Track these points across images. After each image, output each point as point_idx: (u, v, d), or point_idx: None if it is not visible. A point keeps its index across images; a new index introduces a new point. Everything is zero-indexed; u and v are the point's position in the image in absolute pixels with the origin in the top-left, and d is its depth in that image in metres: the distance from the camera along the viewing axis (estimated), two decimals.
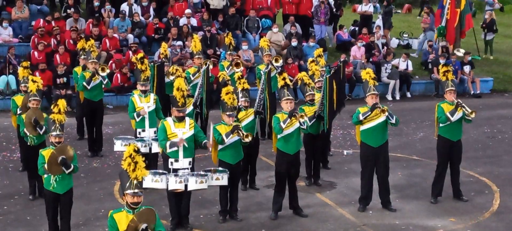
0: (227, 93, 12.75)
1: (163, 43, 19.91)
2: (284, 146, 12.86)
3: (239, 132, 12.35)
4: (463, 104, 13.39)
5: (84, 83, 16.35)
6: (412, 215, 13.13)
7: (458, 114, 13.24)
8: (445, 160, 13.83)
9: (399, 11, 40.62)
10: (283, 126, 12.59)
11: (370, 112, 12.89)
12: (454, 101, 13.40)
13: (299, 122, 12.79)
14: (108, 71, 17.62)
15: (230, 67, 18.09)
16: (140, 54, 17.30)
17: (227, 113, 12.45)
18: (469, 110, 13.26)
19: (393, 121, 13.03)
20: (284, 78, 13.30)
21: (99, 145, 17.20)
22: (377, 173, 13.19)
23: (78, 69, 17.48)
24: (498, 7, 33.03)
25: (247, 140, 12.38)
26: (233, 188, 12.96)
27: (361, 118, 12.96)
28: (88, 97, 16.95)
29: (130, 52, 23.07)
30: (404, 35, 30.78)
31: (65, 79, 21.80)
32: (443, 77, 14.29)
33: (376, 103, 12.95)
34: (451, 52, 26.54)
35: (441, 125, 13.50)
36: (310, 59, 17.03)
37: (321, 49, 18.42)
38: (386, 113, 12.85)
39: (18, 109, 14.47)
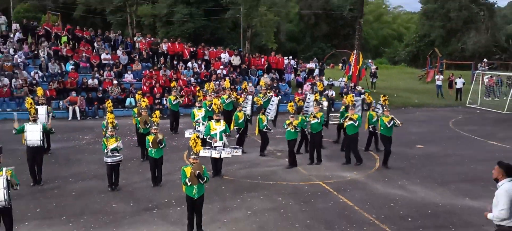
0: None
1: (211, 84, 20.55)
2: None
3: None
4: (394, 118, 13.40)
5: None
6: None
7: (392, 123, 13.21)
8: None
9: (328, 67, 41.45)
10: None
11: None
12: (389, 116, 13.37)
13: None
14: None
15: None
16: (198, 88, 19.40)
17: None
18: (399, 122, 13.48)
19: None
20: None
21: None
22: None
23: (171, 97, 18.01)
24: (374, 67, 34.22)
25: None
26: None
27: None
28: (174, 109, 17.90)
29: (192, 87, 24.04)
30: (330, 79, 31.05)
31: (160, 100, 22.84)
32: (383, 103, 14.42)
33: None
34: (354, 88, 27.31)
35: (381, 128, 13.39)
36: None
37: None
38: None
39: (136, 115, 15.12)
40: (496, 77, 31.71)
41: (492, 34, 51.31)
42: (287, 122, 13.29)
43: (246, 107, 16.21)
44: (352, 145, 13.73)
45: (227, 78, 22.86)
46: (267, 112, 16.20)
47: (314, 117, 13.60)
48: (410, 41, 58.24)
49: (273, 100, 16.85)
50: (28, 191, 11.08)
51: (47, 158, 13.65)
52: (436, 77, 32.45)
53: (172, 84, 19.24)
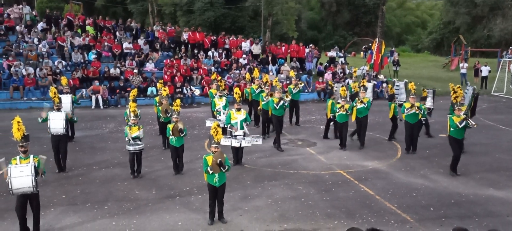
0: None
1: (247, 74, 20.37)
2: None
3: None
4: (468, 118, 11.49)
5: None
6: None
7: (464, 123, 11.25)
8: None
9: (349, 55, 40.68)
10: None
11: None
12: (460, 115, 11.47)
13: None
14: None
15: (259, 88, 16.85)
16: (219, 77, 19.09)
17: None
18: (473, 123, 11.48)
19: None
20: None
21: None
22: None
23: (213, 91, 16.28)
24: (396, 55, 34.35)
25: None
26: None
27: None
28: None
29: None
30: (352, 67, 31.15)
31: (180, 89, 22.97)
32: (454, 100, 12.56)
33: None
34: (377, 76, 27.27)
35: (451, 129, 11.43)
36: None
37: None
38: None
39: (157, 104, 15.10)
40: None
41: None
42: (338, 105, 13.96)
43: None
44: (415, 132, 13.86)
45: (256, 68, 22.72)
46: (396, 96, 16.30)
47: (361, 102, 14.15)
48: (434, 29, 57.12)
49: (398, 85, 17.47)
50: (54, 178, 11.37)
51: (72, 146, 13.96)
52: (461, 65, 31.87)
53: (212, 77, 18.90)
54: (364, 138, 14.45)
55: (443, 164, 12.82)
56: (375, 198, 10.22)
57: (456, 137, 11.57)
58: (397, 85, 17.16)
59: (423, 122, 14.86)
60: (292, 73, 19.79)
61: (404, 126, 13.89)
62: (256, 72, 19.30)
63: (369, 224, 8.73)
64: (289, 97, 15.26)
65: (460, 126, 11.35)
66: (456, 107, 11.69)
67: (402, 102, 16.30)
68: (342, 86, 15.30)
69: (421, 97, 15.61)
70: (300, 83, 17.99)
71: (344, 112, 13.93)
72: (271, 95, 14.92)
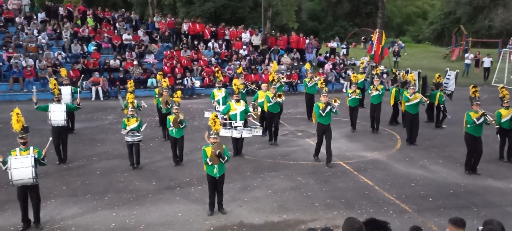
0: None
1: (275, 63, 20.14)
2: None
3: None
4: (487, 114, 11.04)
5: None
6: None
7: (482, 119, 10.81)
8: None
9: (350, 46, 39.34)
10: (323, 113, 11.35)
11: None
12: (478, 111, 10.99)
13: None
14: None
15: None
16: (217, 69, 19.35)
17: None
18: (491, 119, 11.12)
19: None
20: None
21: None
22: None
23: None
24: (397, 45, 34.20)
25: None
26: None
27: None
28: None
29: (213, 67, 23.88)
30: (352, 58, 31.10)
31: (181, 80, 22.99)
32: (472, 95, 11.79)
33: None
34: (377, 67, 26.23)
35: (468, 126, 10.89)
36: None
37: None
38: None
39: (157, 95, 15.05)
40: None
41: None
42: (350, 91, 14.98)
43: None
44: (415, 123, 14.08)
45: (275, 62, 21.75)
46: (445, 85, 16.85)
47: (376, 89, 14.95)
48: (435, 19, 56.93)
49: (449, 74, 17.34)
50: (54, 170, 11.43)
51: (72, 137, 14.01)
52: (466, 55, 31.80)
53: (238, 71, 18.33)
54: (378, 124, 15.26)
55: (443, 155, 12.88)
56: (374, 189, 10.25)
57: (473, 133, 10.96)
58: (448, 75, 17.28)
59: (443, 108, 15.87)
60: (308, 66, 19.44)
61: (405, 116, 14.31)
62: (275, 66, 18.03)
63: (368, 214, 8.76)
64: (338, 102, 11.97)
65: (477, 122, 10.79)
66: (474, 102, 11.12)
67: (450, 91, 16.80)
68: (402, 74, 16.30)
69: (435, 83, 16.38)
70: (315, 76, 17.56)
71: (357, 97, 15.03)
72: (280, 96, 13.36)
